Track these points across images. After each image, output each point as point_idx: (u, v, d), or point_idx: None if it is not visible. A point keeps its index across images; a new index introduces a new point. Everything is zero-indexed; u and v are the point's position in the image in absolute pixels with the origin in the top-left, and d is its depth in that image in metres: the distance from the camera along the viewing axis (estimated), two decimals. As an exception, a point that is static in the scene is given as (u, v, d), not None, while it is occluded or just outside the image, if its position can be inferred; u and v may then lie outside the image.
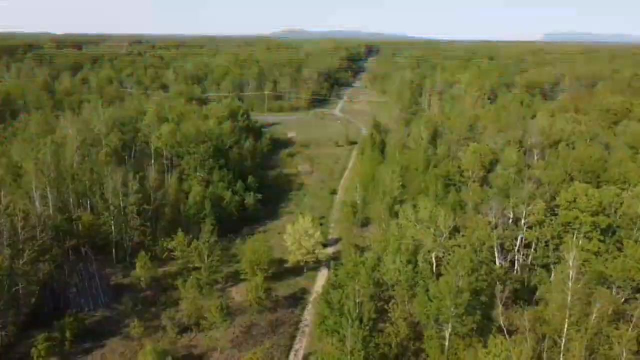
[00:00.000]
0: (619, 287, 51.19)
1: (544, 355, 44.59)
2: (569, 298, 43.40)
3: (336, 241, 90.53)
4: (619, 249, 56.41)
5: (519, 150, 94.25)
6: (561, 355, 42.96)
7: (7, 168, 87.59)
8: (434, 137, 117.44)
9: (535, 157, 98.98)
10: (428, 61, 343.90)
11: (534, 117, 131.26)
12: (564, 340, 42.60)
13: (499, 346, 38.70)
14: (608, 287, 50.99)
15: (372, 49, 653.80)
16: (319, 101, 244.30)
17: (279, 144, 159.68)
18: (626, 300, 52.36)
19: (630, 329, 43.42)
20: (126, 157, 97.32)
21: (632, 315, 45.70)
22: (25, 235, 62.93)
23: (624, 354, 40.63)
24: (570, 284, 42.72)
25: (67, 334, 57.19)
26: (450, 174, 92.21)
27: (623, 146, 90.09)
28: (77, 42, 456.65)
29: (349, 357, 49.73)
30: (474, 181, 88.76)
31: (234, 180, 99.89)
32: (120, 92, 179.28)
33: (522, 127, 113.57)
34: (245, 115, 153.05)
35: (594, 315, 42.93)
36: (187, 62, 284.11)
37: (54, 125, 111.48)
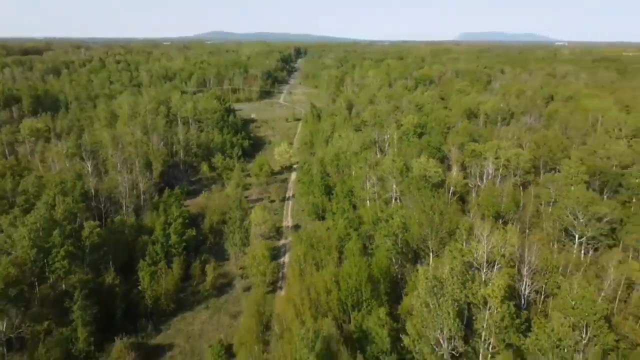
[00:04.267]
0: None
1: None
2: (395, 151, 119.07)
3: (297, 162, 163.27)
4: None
5: (394, 109, 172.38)
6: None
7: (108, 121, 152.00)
8: (349, 108, 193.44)
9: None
10: (349, 61, 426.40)
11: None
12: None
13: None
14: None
15: (299, 50, 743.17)
16: (266, 94, 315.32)
17: (246, 121, 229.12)
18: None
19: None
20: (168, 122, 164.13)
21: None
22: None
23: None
24: (394, 141, 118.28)
25: (185, 190, 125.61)
26: (357, 123, 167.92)
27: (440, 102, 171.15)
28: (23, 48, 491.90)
29: (315, 191, 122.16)
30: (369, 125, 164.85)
31: (234, 134, 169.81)
32: (126, 87, 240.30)
33: (402, 99, 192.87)
34: (224, 101, 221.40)
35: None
36: (153, 65, 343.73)
37: (110, 106, 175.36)
